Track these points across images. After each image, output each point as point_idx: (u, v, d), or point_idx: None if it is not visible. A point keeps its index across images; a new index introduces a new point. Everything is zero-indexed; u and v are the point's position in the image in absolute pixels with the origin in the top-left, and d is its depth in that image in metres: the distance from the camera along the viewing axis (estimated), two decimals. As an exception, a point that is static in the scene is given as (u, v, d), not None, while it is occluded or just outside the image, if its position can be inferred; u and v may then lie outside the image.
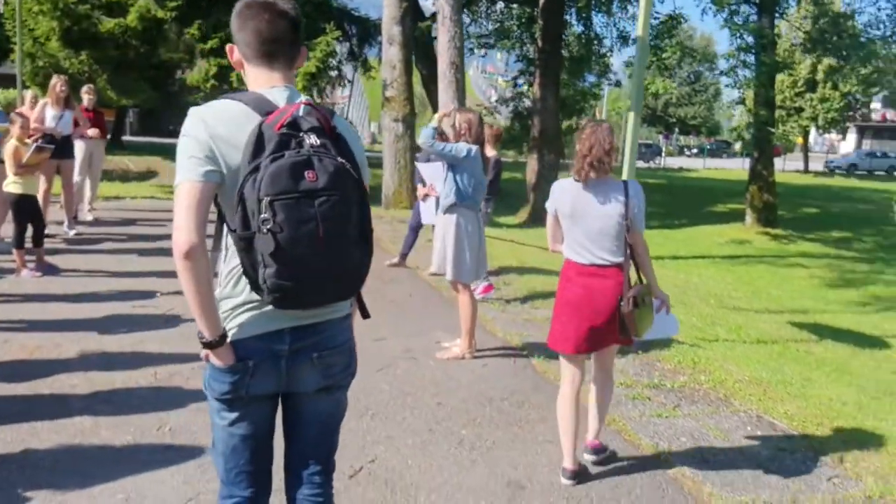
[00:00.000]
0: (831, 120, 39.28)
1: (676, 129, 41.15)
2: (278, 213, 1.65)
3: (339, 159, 1.76)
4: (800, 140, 42.26)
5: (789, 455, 3.87)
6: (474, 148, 4.84)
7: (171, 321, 5.35)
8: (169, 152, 18.04)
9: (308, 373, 1.92)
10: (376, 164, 24.72)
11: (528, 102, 17.46)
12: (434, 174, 5.99)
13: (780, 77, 23.75)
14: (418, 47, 15.55)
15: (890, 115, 52.46)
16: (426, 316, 6.15)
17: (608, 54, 17.28)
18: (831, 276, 11.85)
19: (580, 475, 3.35)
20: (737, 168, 39.66)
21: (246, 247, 1.72)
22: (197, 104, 1.86)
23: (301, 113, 1.77)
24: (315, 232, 1.69)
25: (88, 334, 4.93)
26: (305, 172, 1.69)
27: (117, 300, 5.84)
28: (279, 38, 1.87)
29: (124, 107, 24.11)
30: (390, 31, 12.97)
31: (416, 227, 7.92)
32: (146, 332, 5.04)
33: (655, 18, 15.40)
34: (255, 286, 1.76)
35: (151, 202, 11.79)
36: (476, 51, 23.90)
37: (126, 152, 20.84)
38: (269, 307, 1.81)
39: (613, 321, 3.26)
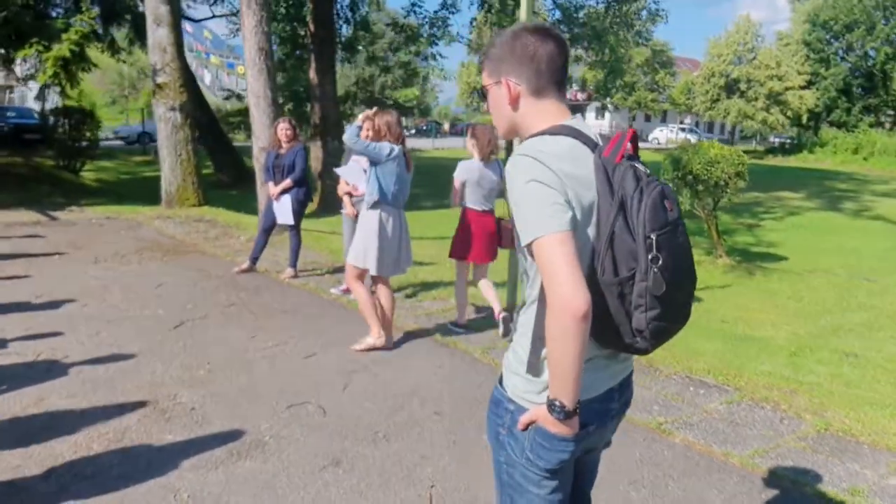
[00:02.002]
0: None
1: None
2: (663, 248, 1.53)
3: (669, 185, 1.70)
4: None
5: (737, 406, 4.44)
6: (397, 148, 5.00)
7: (52, 369, 4.41)
8: None
9: (614, 425, 1.84)
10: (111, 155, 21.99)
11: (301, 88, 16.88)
12: (353, 176, 5.90)
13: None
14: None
15: (581, 96, 60.33)
16: (327, 322, 5.82)
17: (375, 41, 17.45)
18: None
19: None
20: (460, 146, 42.42)
21: (620, 292, 1.56)
22: None
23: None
24: (686, 265, 1.61)
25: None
26: (665, 202, 1.59)
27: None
28: (565, 66, 1.71)
29: None
30: (156, 10, 11.66)
31: (268, 229, 7.38)
32: (34, 388, 4.10)
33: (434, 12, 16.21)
34: (614, 336, 1.61)
35: None
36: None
37: None
38: (602, 362, 1.69)
39: (493, 240, 5.52)
